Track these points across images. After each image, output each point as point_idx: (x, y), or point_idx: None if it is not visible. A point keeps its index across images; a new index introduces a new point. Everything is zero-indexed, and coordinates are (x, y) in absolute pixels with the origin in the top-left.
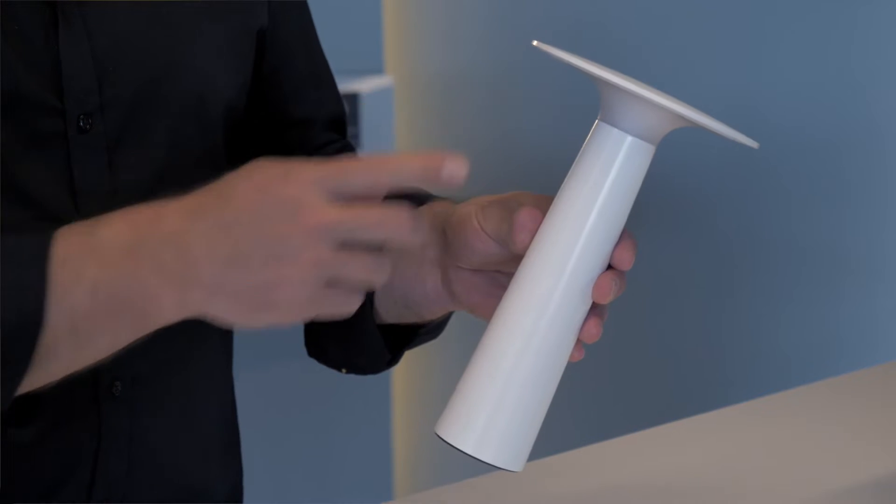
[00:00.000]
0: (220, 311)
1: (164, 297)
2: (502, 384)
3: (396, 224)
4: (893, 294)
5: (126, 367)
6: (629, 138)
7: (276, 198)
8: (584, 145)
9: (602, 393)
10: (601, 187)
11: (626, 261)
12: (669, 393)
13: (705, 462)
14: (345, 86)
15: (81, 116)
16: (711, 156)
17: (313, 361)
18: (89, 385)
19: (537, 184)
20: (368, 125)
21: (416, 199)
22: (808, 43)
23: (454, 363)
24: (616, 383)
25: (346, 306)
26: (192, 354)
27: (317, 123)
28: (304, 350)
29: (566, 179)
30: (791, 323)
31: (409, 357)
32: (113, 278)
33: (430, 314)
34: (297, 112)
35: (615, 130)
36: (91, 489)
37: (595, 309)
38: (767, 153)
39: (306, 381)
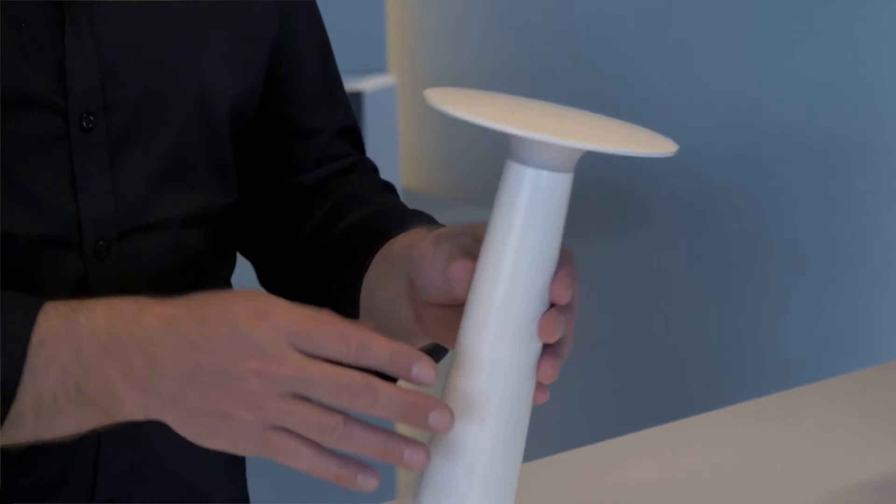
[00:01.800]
0: (175, 423)
1: (127, 399)
2: (470, 455)
3: (349, 394)
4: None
5: None
6: (533, 171)
7: (244, 335)
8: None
9: (603, 392)
10: (515, 225)
11: (562, 296)
12: (671, 393)
13: (706, 462)
14: (348, 85)
15: (84, 116)
16: (714, 156)
17: None
18: None
19: None
20: (371, 124)
21: (396, 218)
22: (813, 41)
23: None
24: (617, 383)
25: (295, 458)
26: None
27: (327, 134)
28: None
29: (488, 222)
30: (793, 323)
31: None
32: (82, 371)
33: (414, 344)
34: (308, 122)
35: (517, 165)
36: (94, 489)
37: (551, 348)
38: (771, 153)
39: None
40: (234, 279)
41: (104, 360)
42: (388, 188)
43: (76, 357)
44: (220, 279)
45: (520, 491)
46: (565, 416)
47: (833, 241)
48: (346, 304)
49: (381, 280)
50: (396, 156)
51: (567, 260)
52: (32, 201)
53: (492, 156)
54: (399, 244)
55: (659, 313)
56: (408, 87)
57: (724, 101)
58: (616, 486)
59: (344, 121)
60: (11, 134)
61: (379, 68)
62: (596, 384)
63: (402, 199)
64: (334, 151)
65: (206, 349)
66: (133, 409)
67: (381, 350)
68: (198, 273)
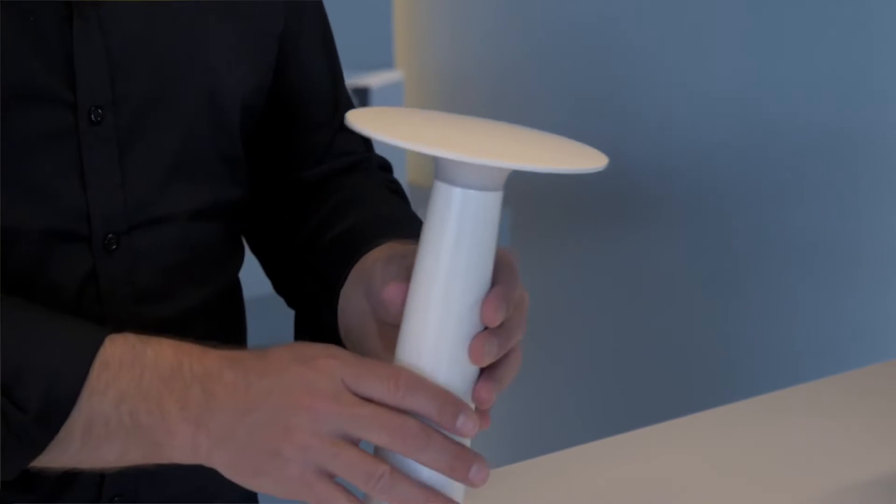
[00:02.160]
0: (222, 462)
1: (179, 433)
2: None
3: (402, 436)
4: None
5: None
6: (460, 191)
7: (297, 374)
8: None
9: (608, 389)
10: (445, 247)
11: (491, 318)
12: (675, 390)
13: (710, 459)
14: (355, 80)
15: (93, 109)
16: (719, 152)
17: None
18: None
19: (541, 178)
20: None
21: (385, 227)
22: (819, 36)
23: None
24: (622, 379)
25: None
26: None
27: (330, 129)
28: None
29: (419, 244)
30: (799, 319)
31: None
32: (140, 399)
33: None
34: (311, 117)
35: (445, 186)
36: (101, 486)
37: (488, 372)
38: (777, 150)
39: None
40: (242, 275)
41: (163, 391)
42: (394, 189)
43: (136, 385)
44: (228, 274)
45: (525, 486)
46: (571, 412)
47: (840, 238)
48: (330, 314)
49: (351, 295)
50: (403, 151)
51: (504, 278)
52: (42, 195)
53: None
54: (370, 258)
55: (664, 310)
56: (414, 83)
57: (729, 98)
58: (620, 483)
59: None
60: (21, 128)
61: (386, 64)
62: (601, 381)
63: (409, 195)
64: (338, 147)
65: (262, 386)
66: (183, 445)
67: (428, 394)
68: (206, 267)
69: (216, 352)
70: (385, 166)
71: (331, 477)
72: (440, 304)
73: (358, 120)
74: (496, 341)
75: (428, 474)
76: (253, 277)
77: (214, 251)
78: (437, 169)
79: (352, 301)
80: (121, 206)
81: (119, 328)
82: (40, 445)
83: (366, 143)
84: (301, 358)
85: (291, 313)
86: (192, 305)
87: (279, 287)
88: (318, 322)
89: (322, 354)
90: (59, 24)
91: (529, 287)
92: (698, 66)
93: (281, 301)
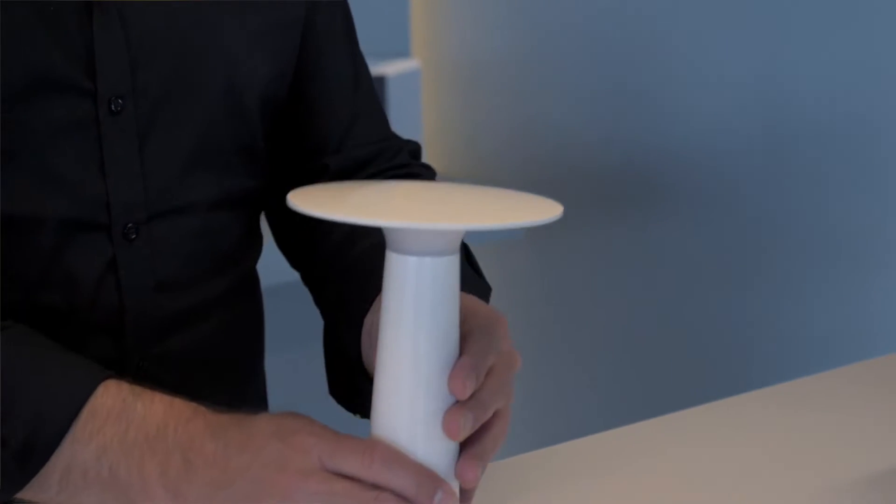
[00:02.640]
0: None
1: (157, 498)
2: None
3: None
4: None
5: (154, 347)
6: (415, 259)
7: (274, 450)
8: None
9: (624, 378)
10: (406, 316)
11: (459, 391)
12: (693, 378)
13: (728, 448)
14: (371, 69)
15: (113, 99)
16: (737, 139)
17: None
18: (117, 366)
19: (560, 166)
20: (395, 107)
21: None
22: (840, 23)
23: None
24: (639, 368)
25: None
26: (221, 340)
27: (351, 115)
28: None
29: (379, 314)
30: (819, 307)
31: None
32: (122, 455)
33: None
34: (331, 104)
35: (398, 256)
36: None
37: (470, 449)
38: (795, 137)
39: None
40: (260, 263)
41: (146, 452)
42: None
43: (120, 440)
44: (246, 263)
45: (538, 475)
46: (588, 400)
47: (858, 226)
48: (350, 336)
49: (374, 328)
50: (420, 139)
51: (473, 347)
52: (61, 184)
53: (515, 139)
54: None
55: (679, 299)
56: (431, 71)
57: (747, 87)
58: (635, 473)
59: (367, 106)
60: (41, 118)
61: (402, 52)
62: (615, 370)
63: None
64: (360, 134)
65: (240, 461)
66: None
67: (405, 470)
68: (225, 256)
69: (203, 418)
70: (414, 152)
71: None
72: (409, 377)
73: (300, 201)
74: (470, 415)
75: None
76: (271, 266)
77: (233, 240)
78: (388, 240)
79: (374, 334)
80: (140, 196)
81: (138, 318)
82: (18, 483)
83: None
84: (281, 433)
85: (309, 301)
86: (210, 295)
87: (306, 282)
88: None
89: (301, 430)
90: (79, 14)
91: (544, 279)
92: (716, 55)
93: (298, 289)
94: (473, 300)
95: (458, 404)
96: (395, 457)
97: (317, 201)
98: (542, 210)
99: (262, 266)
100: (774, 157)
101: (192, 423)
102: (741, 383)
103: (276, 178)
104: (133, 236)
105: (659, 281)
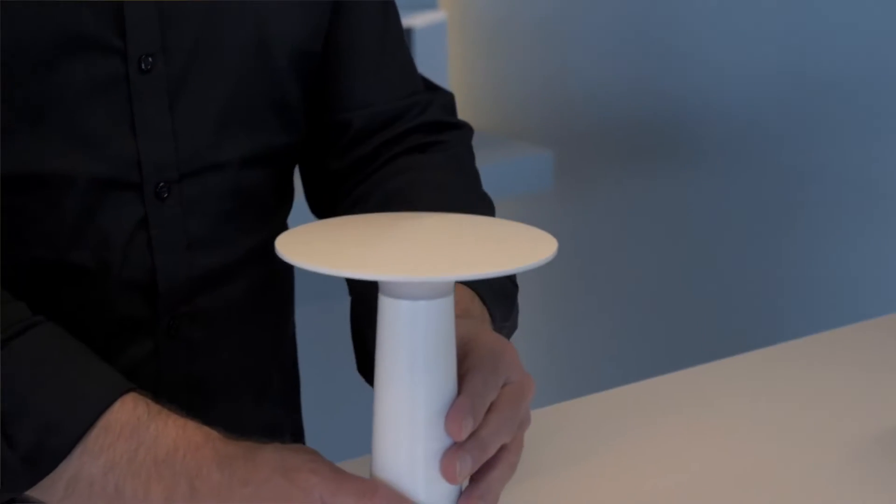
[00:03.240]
0: None
1: None
2: None
3: None
4: None
5: (184, 305)
6: (409, 303)
7: (278, 485)
8: None
9: (653, 330)
10: (402, 361)
11: (456, 432)
12: (724, 329)
13: (761, 399)
14: None
15: (143, 57)
16: (770, 87)
17: None
18: (148, 325)
19: (587, 117)
20: (422, 60)
21: None
22: None
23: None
24: (669, 319)
25: None
26: (252, 297)
27: (381, 64)
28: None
29: (375, 357)
30: (853, 256)
31: None
32: (129, 474)
33: None
34: (363, 54)
35: (391, 300)
36: None
37: (473, 487)
38: (831, 83)
39: None
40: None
41: (153, 474)
42: (450, 170)
43: (129, 459)
44: (277, 221)
45: (568, 427)
46: (614, 352)
47: (894, 174)
48: (369, 326)
49: None
50: None
51: (470, 386)
52: (92, 144)
53: (542, 91)
54: None
55: (709, 250)
56: (458, 23)
57: (778, 32)
58: (664, 424)
59: (396, 58)
60: (72, 77)
61: (429, 4)
62: (647, 322)
63: None
64: (386, 89)
65: (243, 494)
66: None
67: None
68: (256, 214)
69: (212, 446)
70: (447, 105)
71: None
72: (406, 419)
73: (287, 250)
74: (468, 456)
75: None
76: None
77: (265, 198)
78: (380, 285)
79: None
80: (172, 155)
81: (170, 277)
82: (23, 485)
83: (424, 82)
84: (284, 469)
85: None
86: (241, 253)
87: None
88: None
89: (305, 467)
90: None
91: (572, 230)
92: (746, 2)
93: None
94: (478, 330)
95: (456, 446)
96: (396, 500)
97: (306, 250)
98: (535, 251)
99: (293, 220)
100: (806, 106)
101: (202, 451)
102: (774, 333)
103: (308, 134)
104: (165, 195)
105: (687, 231)
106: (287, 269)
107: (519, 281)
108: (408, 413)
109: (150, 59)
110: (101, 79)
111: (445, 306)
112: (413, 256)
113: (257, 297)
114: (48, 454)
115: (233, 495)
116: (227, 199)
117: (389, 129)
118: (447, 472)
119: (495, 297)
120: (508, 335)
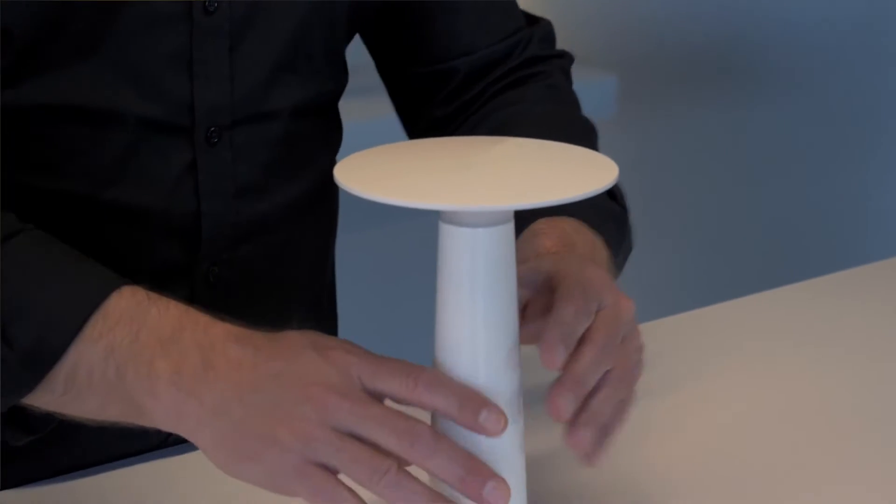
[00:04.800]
0: (208, 441)
1: (165, 398)
2: None
3: (409, 439)
4: None
5: (226, 252)
6: (469, 231)
7: (310, 360)
8: None
9: (714, 257)
10: (463, 291)
11: (550, 361)
12: (783, 256)
13: (821, 324)
14: None
15: None
16: (839, 10)
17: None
18: (186, 270)
19: (650, 39)
20: None
21: None
22: None
23: None
24: (728, 247)
25: (334, 499)
26: (294, 245)
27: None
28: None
29: (437, 287)
30: None
31: None
32: (131, 356)
33: None
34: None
35: (451, 227)
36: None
37: (578, 418)
38: (882, 12)
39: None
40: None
41: (157, 352)
42: (558, 116)
43: (130, 340)
44: (323, 166)
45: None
46: (675, 278)
47: None
48: None
49: None
50: None
51: (558, 317)
52: (147, 82)
53: (603, 13)
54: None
55: (769, 177)
56: None
57: None
58: (724, 350)
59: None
60: (132, 8)
61: None
62: (706, 247)
63: None
64: (491, 31)
65: (270, 368)
66: (167, 411)
67: (449, 390)
68: (304, 162)
69: (225, 325)
70: (547, 36)
71: (328, 470)
72: (466, 357)
73: (345, 178)
74: (566, 392)
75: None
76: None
77: (313, 145)
78: (441, 213)
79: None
80: (227, 100)
81: (214, 223)
82: (25, 386)
83: (525, 16)
84: (317, 346)
85: None
86: (287, 200)
87: None
88: None
89: (339, 347)
90: None
91: (633, 156)
92: None
93: None
94: (568, 261)
95: (555, 382)
96: (440, 380)
97: (363, 177)
98: (593, 178)
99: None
100: (880, 28)
101: (213, 328)
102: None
103: (400, 86)
104: (215, 140)
105: (747, 158)
106: (332, 209)
107: None
108: (469, 341)
109: (215, 1)
110: (163, 15)
111: (506, 233)
112: (476, 183)
113: (300, 243)
114: (47, 351)
115: (257, 370)
116: (277, 147)
117: (495, 71)
118: (553, 413)
119: (602, 222)
120: (625, 258)
